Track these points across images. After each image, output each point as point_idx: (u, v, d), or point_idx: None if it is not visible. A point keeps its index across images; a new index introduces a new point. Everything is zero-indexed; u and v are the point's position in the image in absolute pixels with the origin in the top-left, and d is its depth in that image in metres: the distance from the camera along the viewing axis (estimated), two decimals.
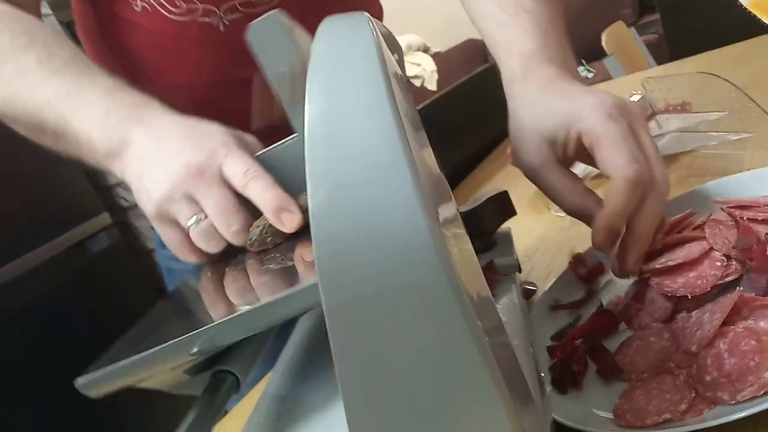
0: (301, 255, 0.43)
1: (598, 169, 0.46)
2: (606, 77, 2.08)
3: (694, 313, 0.44)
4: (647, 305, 0.47)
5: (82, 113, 0.53)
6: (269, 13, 0.46)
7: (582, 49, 2.53)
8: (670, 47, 1.94)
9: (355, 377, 0.26)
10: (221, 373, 0.38)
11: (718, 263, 0.45)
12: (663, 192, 0.45)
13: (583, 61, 2.67)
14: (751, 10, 0.60)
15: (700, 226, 0.50)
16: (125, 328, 0.45)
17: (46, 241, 1.66)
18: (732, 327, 0.39)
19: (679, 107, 0.84)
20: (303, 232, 0.46)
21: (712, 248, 0.46)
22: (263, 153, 0.51)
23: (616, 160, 0.44)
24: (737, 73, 0.77)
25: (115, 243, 1.75)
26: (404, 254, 0.25)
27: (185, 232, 0.49)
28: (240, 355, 0.40)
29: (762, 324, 0.39)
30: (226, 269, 0.49)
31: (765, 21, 0.60)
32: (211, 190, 0.47)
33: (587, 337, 0.49)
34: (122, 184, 1.94)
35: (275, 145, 0.51)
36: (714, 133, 0.77)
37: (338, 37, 0.29)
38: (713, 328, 0.40)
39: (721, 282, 0.44)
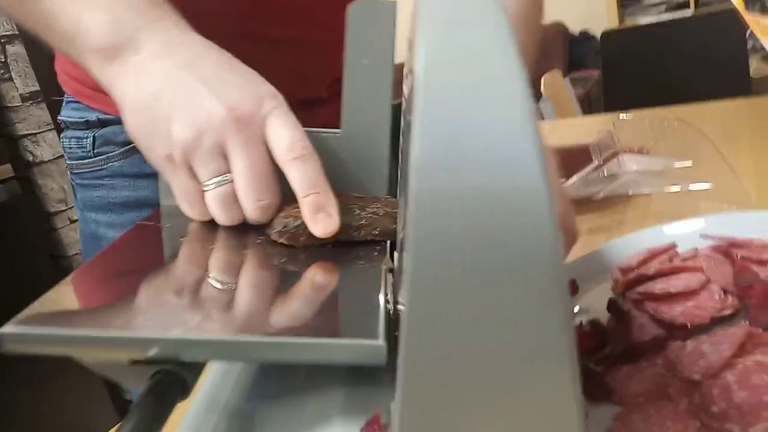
0: (314, 276, 0.37)
1: None
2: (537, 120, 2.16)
3: (688, 342, 0.43)
4: (635, 330, 0.46)
5: None
6: None
7: None
8: (606, 101, 2.04)
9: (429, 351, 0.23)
10: (167, 374, 0.31)
11: (717, 296, 0.44)
12: (570, 237, 0.47)
13: None
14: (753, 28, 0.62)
15: (688, 259, 0.50)
16: (12, 292, 0.38)
17: None
18: (740, 359, 0.38)
19: (637, 150, 0.86)
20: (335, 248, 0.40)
21: (709, 281, 0.45)
22: (305, 130, 0.42)
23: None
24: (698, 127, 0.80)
25: (13, 198, 1.57)
26: (519, 224, 0.22)
27: (201, 188, 0.41)
28: None
29: None
30: (221, 243, 0.41)
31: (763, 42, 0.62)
32: (249, 149, 0.39)
33: None
34: (31, 137, 1.76)
35: (317, 129, 0.44)
36: (673, 180, 0.79)
37: None
38: (721, 359, 0.38)
39: (718, 315, 0.43)
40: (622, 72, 1.90)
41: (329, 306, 0.33)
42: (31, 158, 1.77)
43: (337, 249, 0.40)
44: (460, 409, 0.24)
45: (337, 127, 0.47)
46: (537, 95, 2.12)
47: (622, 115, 0.83)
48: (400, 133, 0.45)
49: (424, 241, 0.22)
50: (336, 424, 0.34)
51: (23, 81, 1.68)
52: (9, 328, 0.29)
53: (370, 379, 0.36)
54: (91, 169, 0.70)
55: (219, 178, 0.40)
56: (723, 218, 0.51)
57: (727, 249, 0.48)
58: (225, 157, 0.40)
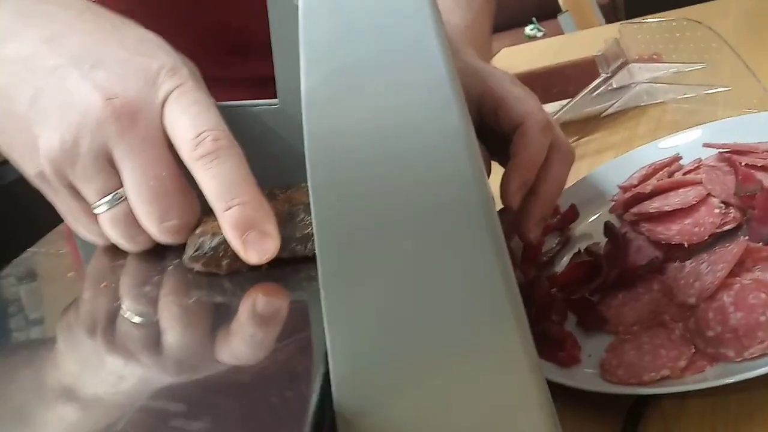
0: (254, 304, 0.28)
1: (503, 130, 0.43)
2: (558, 35, 2.05)
3: (687, 263, 0.40)
4: (633, 254, 0.43)
5: None
6: None
7: (534, 7, 2.49)
8: (627, 7, 1.92)
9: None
10: None
11: (717, 210, 0.41)
12: (567, 155, 0.44)
13: (534, 19, 2.64)
14: None
15: (691, 171, 0.46)
16: None
17: None
18: (737, 279, 0.36)
19: (648, 57, 0.81)
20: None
21: (709, 194, 0.42)
22: (223, 105, 0.32)
23: (523, 108, 0.42)
24: (719, 26, 0.73)
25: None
26: (430, 157, 0.19)
27: (90, 210, 0.32)
28: None
29: None
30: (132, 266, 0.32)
31: None
32: (141, 153, 0.29)
33: (565, 287, 0.45)
34: None
35: (245, 102, 0.35)
36: (687, 86, 0.73)
37: None
38: (716, 280, 0.36)
39: (719, 230, 0.40)
40: None
41: (240, 386, 0.23)
42: None
43: (274, 270, 0.29)
44: (394, 382, 0.22)
45: None
46: (555, 8, 2.01)
47: (632, 21, 0.77)
48: None
49: (323, 191, 0.20)
50: None
51: None
52: None
53: None
54: None
55: (109, 198, 0.30)
56: (723, 124, 0.47)
57: (731, 157, 0.44)
58: (114, 166, 0.30)
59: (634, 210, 0.44)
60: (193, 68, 0.32)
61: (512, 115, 0.42)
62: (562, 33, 2.02)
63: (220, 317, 0.28)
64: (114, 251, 0.33)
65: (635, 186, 0.49)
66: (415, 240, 0.20)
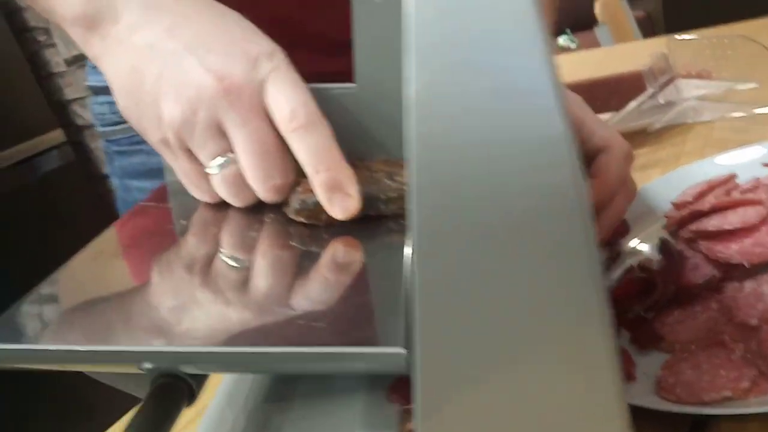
0: (334, 254, 0.32)
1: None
2: (592, 47, 2.04)
3: (746, 282, 0.40)
4: (689, 271, 0.43)
5: None
6: None
7: (568, 18, 2.48)
8: (667, 21, 1.91)
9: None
10: (170, 379, 0.28)
11: None
12: (632, 193, 0.44)
13: (568, 30, 2.62)
14: None
15: (750, 191, 0.46)
16: (71, 256, 0.34)
17: None
18: None
19: (696, 73, 0.80)
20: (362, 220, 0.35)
21: None
22: (313, 87, 0.36)
23: (608, 133, 0.42)
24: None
25: (67, 163, 1.63)
26: (533, 163, 0.20)
27: (203, 171, 0.36)
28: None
29: None
30: (234, 218, 0.36)
31: None
32: (248, 123, 0.34)
33: (617, 302, 0.44)
34: (79, 101, 1.80)
35: (327, 85, 0.38)
36: (736, 104, 0.73)
37: None
38: None
39: None
40: None
41: (346, 301, 0.29)
42: (81, 122, 1.80)
43: (364, 224, 0.34)
44: (481, 376, 0.22)
45: None
46: (592, 20, 2.00)
47: (680, 36, 0.77)
48: None
49: (427, 193, 0.20)
50: None
51: (65, 45, 1.69)
52: None
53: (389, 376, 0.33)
54: (128, 135, 0.67)
55: (221, 160, 0.35)
56: None
57: None
58: (224, 134, 0.35)
59: (692, 227, 0.44)
60: (284, 54, 0.36)
61: (596, 139, 0.42)
62: (596, 44, 2.01)
63: (306, 265, 0.32)
64: (216, 206, 0.38)
65: (690, 203, 0.48)
66: (514, 244, 0.20)
